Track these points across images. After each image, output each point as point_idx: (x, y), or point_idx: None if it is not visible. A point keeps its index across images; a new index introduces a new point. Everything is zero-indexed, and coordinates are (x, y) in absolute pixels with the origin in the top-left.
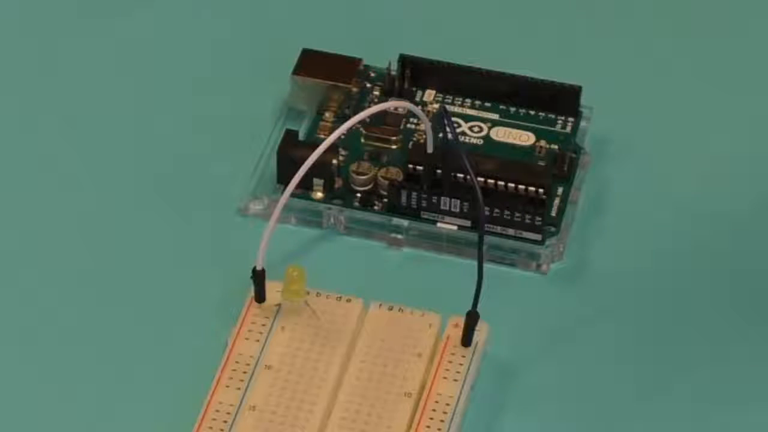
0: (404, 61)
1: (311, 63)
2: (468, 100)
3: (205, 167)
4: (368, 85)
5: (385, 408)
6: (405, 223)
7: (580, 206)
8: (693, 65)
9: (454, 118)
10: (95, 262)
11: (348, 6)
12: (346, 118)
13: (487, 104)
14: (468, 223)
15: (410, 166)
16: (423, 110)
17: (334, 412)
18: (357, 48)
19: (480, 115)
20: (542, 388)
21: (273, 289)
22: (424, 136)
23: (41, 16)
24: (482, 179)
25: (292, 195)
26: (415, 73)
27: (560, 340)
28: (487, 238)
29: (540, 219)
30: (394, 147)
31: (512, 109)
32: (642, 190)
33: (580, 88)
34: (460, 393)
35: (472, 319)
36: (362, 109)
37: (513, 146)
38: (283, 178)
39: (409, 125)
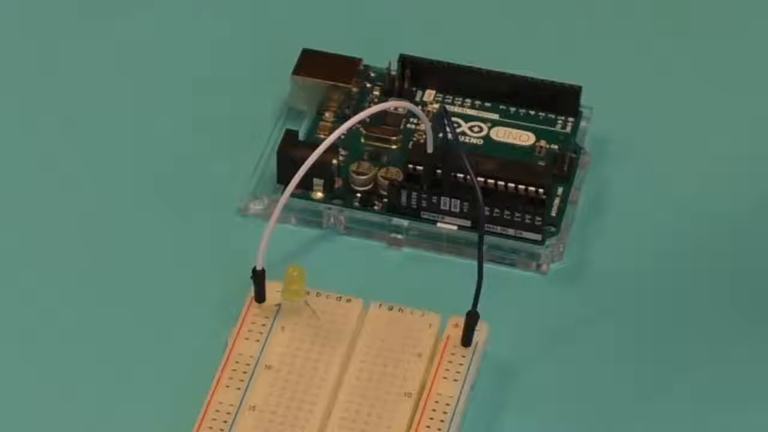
0: (404, 61)
1: (311, 63)
2: (468, 100)
3: (205, 167)
4: (368, 85)
5: (385, 408)
6: (405, 223)
7: (580, 206)
8: (693, 65)
9: (454, 118)
10: (95, 262)
11: (348, 6)
12: (346, 118)
13: (487, 104)
14: (468, 223)
15: (410, 166)
16: (423, 110)
17: (334, 412)
18: (357, 48)
19: (480, 115)
20: (542, 388)
21: (273, 289)
22: (424, 136)
23: (41, 16)
24: (482, 179)
25: (292, 195)
26: (415, 73)
27: (560, 340)
28: (487, 238)
29: (540, 219)
30: (394, 147)
31: (512, 109)
32: (642, 190)
33: (580, 88)
34: (460, 393)
35: (472, 319)
36: (362, 109)
37: (513, 146)
38: (283, 178)
39: (409, 125)
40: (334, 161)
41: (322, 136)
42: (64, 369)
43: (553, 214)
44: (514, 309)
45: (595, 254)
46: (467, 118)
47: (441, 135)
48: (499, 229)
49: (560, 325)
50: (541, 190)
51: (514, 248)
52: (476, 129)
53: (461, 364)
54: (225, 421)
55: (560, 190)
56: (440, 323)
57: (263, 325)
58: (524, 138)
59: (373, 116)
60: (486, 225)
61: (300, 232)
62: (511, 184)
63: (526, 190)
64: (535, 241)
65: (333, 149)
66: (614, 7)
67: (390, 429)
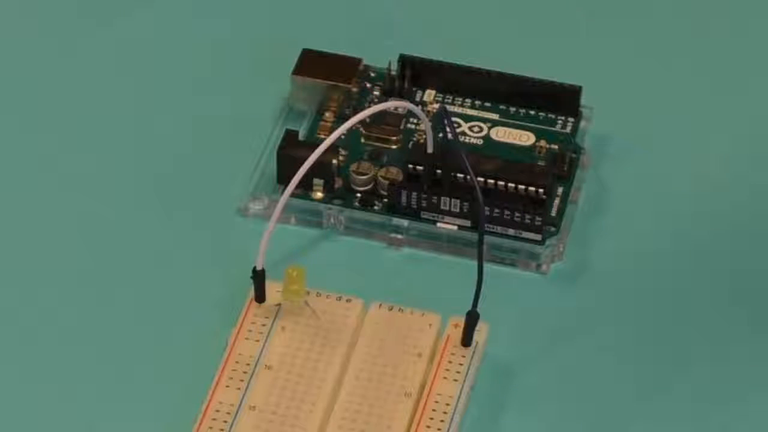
0: (404, 61)
1: (311, 63)
2: (468, 100)
3: (205, 167)
4: (368, 85)
5: (385, 408)
6: (405, 223)
7: (580, 206)
8: (693, 65)
9: (454, 118)
10: (95, 262)
11: (348, 6)
12: (346, 118)
13: (487, 104)
14: (468, 223)
15: (410, 166)
16: (423, 110)
17: (334, 412)
18: (357, 48)
19: (480, 115)
20: (542, 388)
21: (273, 289)
22: (424, 136)
23: (41, 16)
24: (482, 179)
25: (292, 195)
26: (415, 73)
27: (560, 340)
28: (487, 238)
29: (540, 219)
30: (394, 147)
31: (512, 109)
32: (642, 190)
33: (580, 88)
34: (460, 393)
35: (472, 319)
36: (362, 109)
37: (513, 146)
38: (283, 178)
39: (409, 125)
40: (334, 161)
41: (322, 136)
42: (64, 369)
43: (553, 214)
44: (514, 309)
45: (595, 254)
46: (467, 118)
47: (441, 135)
48: (499, 229)
49: (560, 325)
50: (541, 190)
51: (514, 248)
52: (476, 129)
53: (461, 364)
54: (225, 421)
55: (560, 190)
56: (440, 323)
57: (263, 325)
58: (524, 138)
59: (373, 116)
60: (486, 225)
61: (300, 232)
62: (511, 184)
63: (526, 190)
64: (535, 241)
65: (333, 149)
66: (614, 7)
67: (390, 429)
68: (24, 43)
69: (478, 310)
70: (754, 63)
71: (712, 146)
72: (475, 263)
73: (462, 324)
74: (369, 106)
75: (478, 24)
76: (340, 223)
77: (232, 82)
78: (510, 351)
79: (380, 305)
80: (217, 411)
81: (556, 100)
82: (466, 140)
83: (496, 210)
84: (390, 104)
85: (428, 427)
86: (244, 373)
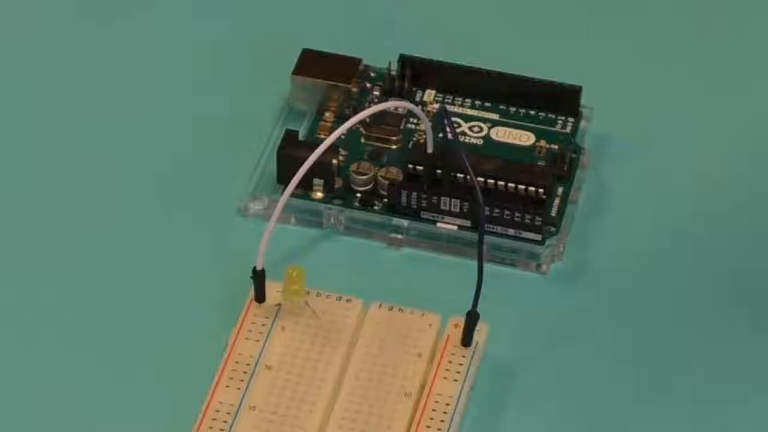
0: (404, 61)
1: (311, 63)
2: (468, 100)
3: (205, 167)
4: (368, 85)
5: (385, 408)
6: (405, 223)
7: (580, 206)
8: (693, 65)
9: (454, 118)
10: (95, 262)
11: (348, 6)
12: (346, 118)
13: (487, 104)
14: (468, 223)
15: (410, 166)
16: (423, 110)
17: (334, 412)
18: (357, 48)
19: (480, 115)
20: (542, 388)
21: (273, 289)
22: (424, 136)
23: (41, 16)
24: (482, 179)
25: (292, 195)
26: (415, 73)
27: (560, 340)
28: (487, 238)
29: (540, 219)
30: (394, 147)
31: (512, 109)
32: (642, 190)
33: (580, 88)
34: (460, 393)
35: (472, 319)
36: (362, 109)
37: (513, 146)
38: (283, 178)
39: (409, 125)
40: (334, 161)
41: (322, 136)
42: (64, 369)
43: (553, 214)
44: (514, 309)
45: (595, 254)
46: (467, 118)
47: (441, 135)
48: (499, 229)
49: (560, 325)
50: (541, 190)
51: (514, 248)
52: (476, 129)
53: (461, 364)
54: (225, 421)
55: (560, 190)
56: (440, 323)
57: (263, 325)
58: (524, 138)
59: (373, 116)
60: (486, 225)
61: (300, 232)
62: (511, 184)
63: (526, 190)
64: (535, 241)
65: (333, 149)
66: (614, 7)
67: (390, 429)
68: (24, 43)
69: (478, 310)
70: (754, 63)
71: (712, 146)
72: (475, 263)
73: (462, 324)
74: (369, 106)
75: (478, 24)
76: (340, 223)
77: (232, 82)
78: (510, 351)
79: (380, 305)
80: (217, 411)
81: (556, 100)
82: (466, 140)
83: (496, 210)
84: (390, 104)
85: (428, 427)
86: (244, 373)
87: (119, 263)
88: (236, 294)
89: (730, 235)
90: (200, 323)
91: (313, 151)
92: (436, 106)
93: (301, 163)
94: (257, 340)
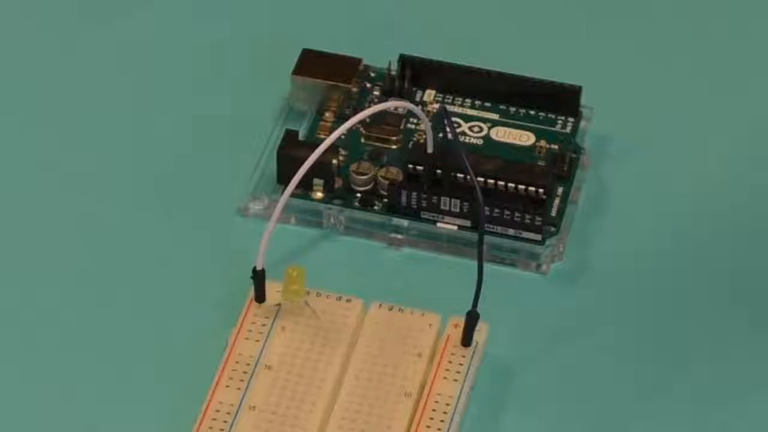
0: (404, 61)
1: (311, 63)
2: (468, 100)
3: (205, 167)
4: (368, 85)
5: (385, 408)
6: (405, 223)
7: (580, 206)
8: (693, 65)
9: (454, 118)
10: (95, 262)
11: (348, 6)
12: (346, 118)
13: (487, 104)
14: (468, 223)
15: (410, 166)
16: (423, 110)
17: (334, 412)
18: (357, 48)
19: (480, 115)
20: (542, 388)
21: (273, 289)
22: (424, 136)
23: (41, 16)
24: (482, 179)
25: (292, 195)
26: (415, 73)
27: (560, 340)
28: (487, 238)
29: (540, 219)
30: (394, 147)
31: (512, 109)
32: (642, 190)
33: (580, 88)
34: (460, 393)
35: (472, 319)
36: (362, 109)
37: (513, 146)
38: (283, 178)
39: (409, 125)
40: (334, 161)
41: (322, 136)
42: (64, 369)
43: (553, 214)
44: (514, 309)
45: (595, 254)
46: (467, 118)
47: (441, 135)
48: (499, 229)
49: (560, 325)
50: (541, 190)
51: (514, 248)
52: (476, 129)
53: (461, 364)
54: (225, 421)
55: (560, 190)
56: (440, 323)
57: (263, 325)
58: (524, 138)
59: (373, 116)
60: (486, 225)
61: (300, 232)
62: (511, 184)
63: (526, 190)
64: (535, 241)
65: (333, 149)
66: (614, 7)
67: (390, 429)
68: (24, 43)
69: (478, 310)
70: (754, 63)
71: (712, 146)
72: (475, 263)
73: (462, 324)
74: (369, 106)
75: (478, 24)
76: (340, 223)
77: (232, 82)
78: (510, 351)
79: (380, 305)
80: (217, 411)
81: (556, 100)
82: (466, 140)
83: (496, 210)
84: (390, 104)
85: (428, 427)
86: (244, 373)
87: (119, 263)
88: (236, 294)
89: (730, 235)
90: (200, 323)
91: (313, 151)
92: (436, 106)
93: (301, 163)
94: (257, 340)
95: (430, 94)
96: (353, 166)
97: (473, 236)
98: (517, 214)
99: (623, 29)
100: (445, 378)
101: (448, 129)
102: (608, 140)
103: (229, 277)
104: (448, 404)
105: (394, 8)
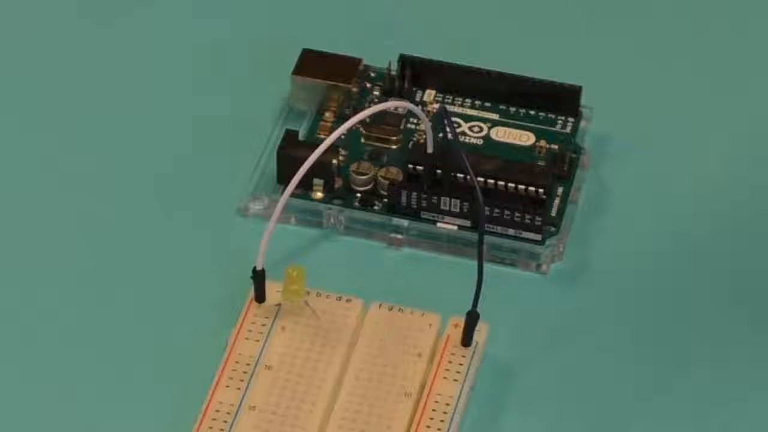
0: (404, 61)
1: (311, 63)
2: (468, 100)
3: (205, 167)
4: (368, 85)
5: (385, 408)
6: (405, 223)
7: (580, 206)
8: (693, 65)
9: (454, 118)
10: (95, 262)
11: (348, 6)
12: (346, 118)
13: (487, 104)
14: (468, 223)
15: (410, 166)
16: (423, 110)
17: (334, 412)
18: (357, 48)
19: (480, 115)
20: (542, 388)
21: (273, 289)
22: (424, 136)
23: (41, 16)
24: (482, 179)
25: (292, 195)
26: (415, 73)
27: (560, 340)
28: (487, 238)
29: (540, 219)
30: (394, 147)
31: (512, 109)
32: (642, 190)
33: (580, 88)
34: (460, 393)
35: (472, 319)
36: (362, 109)
37: (513, 146)
38: (283, 178)
39: (409, 125)
40: (334, 161)
41: (322, 136)
42: (64, 369)
43: (553, 214)
44: (514, 309)
45: (595, 254)
46: (467, 118)
47: (441, 135)
48: (499, 229)
49: (560, 325)
50: (541, 190)
51: (514, 248)
52: (476, 129)
53: (461, 364)
54: (225, 421)
55: (560, 190)
56: (440, 323)
57: (263, 325)
58: (524, 138)
59: (373, 116)
60: (486, 225)
61: (300, 232)
62: (511, 184)
63: (526, 190)
64: (535, 241)
65: (333, 149)
66: (614, 7)
67: (390, 429)
68: (24, 43)
69: (478, 310)
70: (754, 63)
71: (712, 146)
72: (475, 263)
73: (462, 324)
74: (369, 106)
75: (478, 24)
76: (340, 223)
77: (232, 82)
78: (510, 351)
79: (380, 305)
80: (217, 411)
81: (556, 100)
82: (466, 140)
83: (496, 210)
84: (390, 104)
85: (428, 427)
86: (244, 373)
87: (119, 263)
88: (236, 294)
89: (730, 235)
90: (200, 323)
91: (313, 151)
92: (436, 106)
93: (301, 163)
94: (257, 340)
95: (430, 94)
96: (353, 166)
97: (473, 236)
98: (517, 214)
99: (623, 29)
100: (445, 378)
101: (448, 129)
102: (608, 140)
103: (229, 277)
104: (448, 404)
105: (394, 8)
